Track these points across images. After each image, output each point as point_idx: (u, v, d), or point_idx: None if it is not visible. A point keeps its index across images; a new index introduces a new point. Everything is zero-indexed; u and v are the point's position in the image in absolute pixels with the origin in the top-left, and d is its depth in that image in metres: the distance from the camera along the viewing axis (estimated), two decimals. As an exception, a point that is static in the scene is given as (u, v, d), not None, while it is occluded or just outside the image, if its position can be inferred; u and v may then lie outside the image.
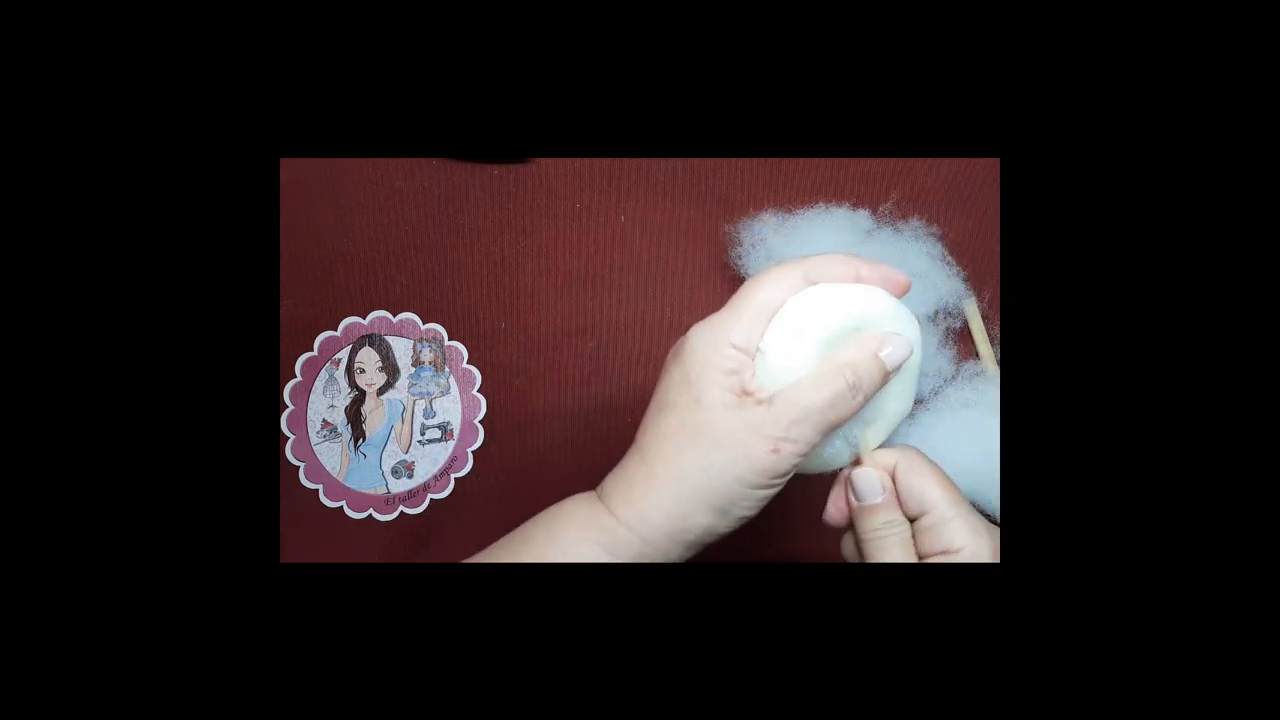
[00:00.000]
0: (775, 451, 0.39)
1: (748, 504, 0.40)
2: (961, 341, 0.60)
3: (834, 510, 0.44)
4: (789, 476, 0.41)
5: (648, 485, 0.41)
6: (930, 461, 0.42)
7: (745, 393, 0.40)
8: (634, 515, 0.41)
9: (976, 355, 0.60)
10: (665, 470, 0.40)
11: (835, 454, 0.43)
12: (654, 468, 0.41)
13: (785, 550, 0.59)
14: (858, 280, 0.42)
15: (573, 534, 0.42)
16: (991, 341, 0.60)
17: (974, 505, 0.42)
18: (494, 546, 0.44)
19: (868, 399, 0.41)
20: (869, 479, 0.42)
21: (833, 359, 0.41)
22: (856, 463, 0.43)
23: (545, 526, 0.43)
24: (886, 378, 0.42)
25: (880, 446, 0.44)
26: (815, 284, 0.41)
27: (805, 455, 0.40)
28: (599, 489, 0.43)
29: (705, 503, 0.40)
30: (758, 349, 0.41)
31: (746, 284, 0.42)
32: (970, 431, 0.56)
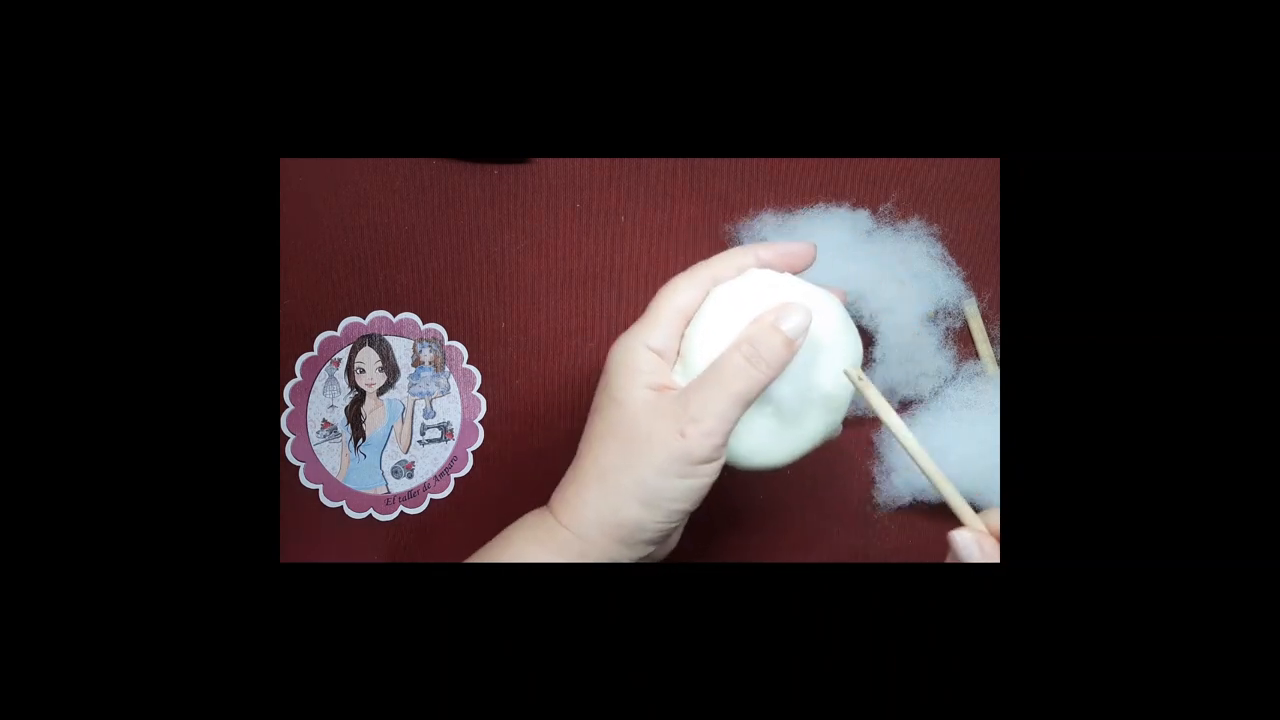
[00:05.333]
0: (682, 435, 0.41)
1: (674, 494, 0.42)
2: (961, 341, 0.60)
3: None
4: (715, 464, 0.42)
5: (577, 483, 0.44)
6: None
7: (664, 389, 0.42)
8: (568, 513, 0.43)
9: (976, 355, 0.60)
10: (590, 466, 0.43)
11: (807, 433, 0.44)
12: (582, 466, 0.44)
13: (793, 547, 0.59)
14: (759, 264, 0.44)
15: (522, 537, 0.45)
16: (991, 342, 0.60)
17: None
18: (470, 559, 0.46)
19: (774, 370, 0.42)
20: (965, 543, 0.40)
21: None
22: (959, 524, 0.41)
23: (502, 536, 0.46)
24: (792, 346, 0.42)
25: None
26: (722, 282, 0.44)
27: (722, 434, 0.41)
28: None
29: (629, 494, 0.42)
30: (678, 352, 0.43)
31: (660, 291, 0.44)
32: (970, 431, 0.56)
